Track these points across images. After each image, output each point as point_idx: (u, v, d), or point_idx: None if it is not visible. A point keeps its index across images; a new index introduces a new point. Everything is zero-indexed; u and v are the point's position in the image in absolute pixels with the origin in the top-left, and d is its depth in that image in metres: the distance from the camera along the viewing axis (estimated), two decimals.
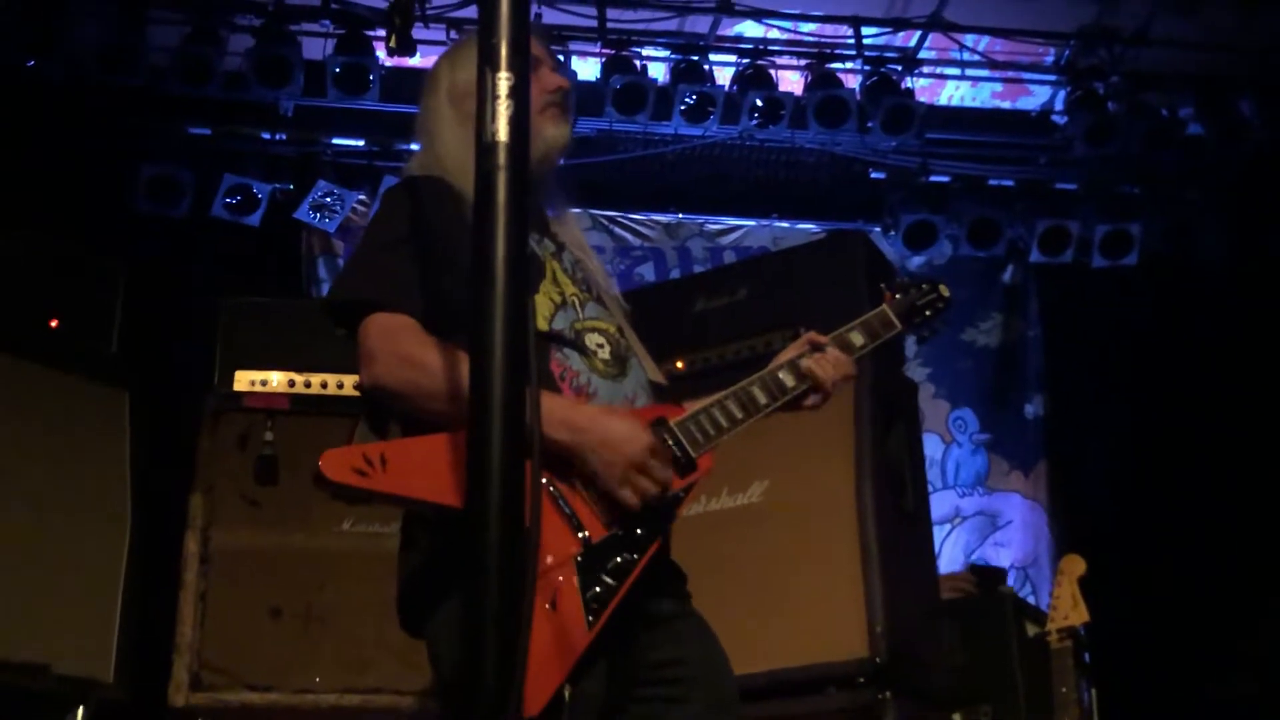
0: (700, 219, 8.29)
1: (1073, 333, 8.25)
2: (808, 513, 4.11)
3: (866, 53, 7.50)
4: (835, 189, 8.14)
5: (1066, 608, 4.28)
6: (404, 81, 7.07)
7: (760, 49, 7.51)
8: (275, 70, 6.88)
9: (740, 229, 8.33)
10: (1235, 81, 7.65)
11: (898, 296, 2.94)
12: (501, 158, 1.55)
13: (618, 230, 8.16)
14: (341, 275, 2.70)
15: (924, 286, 2.98)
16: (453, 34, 6.97)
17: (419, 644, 2.45)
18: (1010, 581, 5.35)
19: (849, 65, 7.54)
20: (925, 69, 7.75)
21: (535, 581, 1.58)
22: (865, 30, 7.46)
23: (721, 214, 8.31)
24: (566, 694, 2.22)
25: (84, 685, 4.37)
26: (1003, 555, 7.96)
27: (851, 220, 8.10)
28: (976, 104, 8.20)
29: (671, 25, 7.43)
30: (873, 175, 8.12)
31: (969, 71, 7.90)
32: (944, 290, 2.98)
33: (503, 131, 1.55)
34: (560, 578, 2.28)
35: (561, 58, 7.10)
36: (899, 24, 7.50)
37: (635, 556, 2.37)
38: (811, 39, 7.55)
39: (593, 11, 7.17)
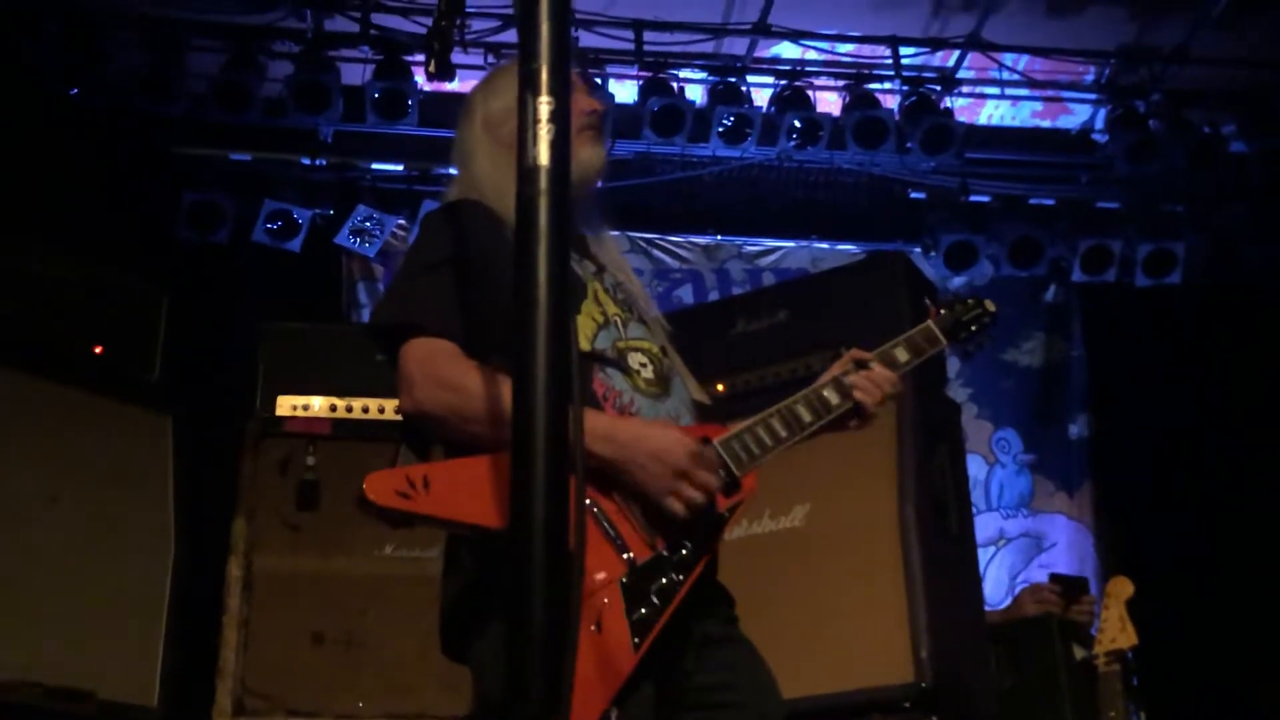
0: (739, 241, 8.27)
1: (1117, 352, 8.18)
2: (851, 536, 4.08)
3: (905, 73, 7.47)
4: (874, 210, 8.11)
5: (1114, 631, 4.22)
6: (443, 106, 7.08)
7: (798, 70, 7.51)
8: (315, 96, 6.92)
9: (779, 250, 8.31)
10: (1278, 98, 7.58)
11: (942, 312, 2.92)
12: (543, 182, 1.54)
13: (656, 253, 8.15)
14: (382, 300, 2.71)
15: (969, 302, 2.97)
16: (491, 59, 6.99)
17: (461, 668, 2.44)
18: None
19: (887, 86, 7.51)
20: (964, 89, 7.72)
21: (581, 602, 1.56)
22: (903, 50, 7.43)
23: (760, 235, 8.29)
24: (613, 717, 2.21)
25: (128, 711, 4.38)
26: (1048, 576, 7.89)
27: (891, 241, 8.06)
28: (1016, 123, 8.16)
29: (708, 47, 7.43)
30: (912, 195, 8.09)
31: (1008, 91, 7.86)
32: (990, 305, 2.97)
33: (544, 155, 1.55)
34: (605, 599, 2.27)
35: (599, 81, 7.12)
36: (937, 44, 7.47)
37: (681, 577, 2.35)
38: (849, 60, 7.53)
39: (630, 34, 7.18)
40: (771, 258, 8.29)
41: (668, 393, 2.57)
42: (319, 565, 4.63)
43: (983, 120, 8.07)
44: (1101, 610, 4.32)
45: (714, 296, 8.00)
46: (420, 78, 7.00)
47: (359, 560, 4.64)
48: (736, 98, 7.30)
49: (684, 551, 2.38)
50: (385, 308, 2.62)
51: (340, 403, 4.82)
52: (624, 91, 7.43)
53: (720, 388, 4.40)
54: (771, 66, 7.55)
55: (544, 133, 1.55)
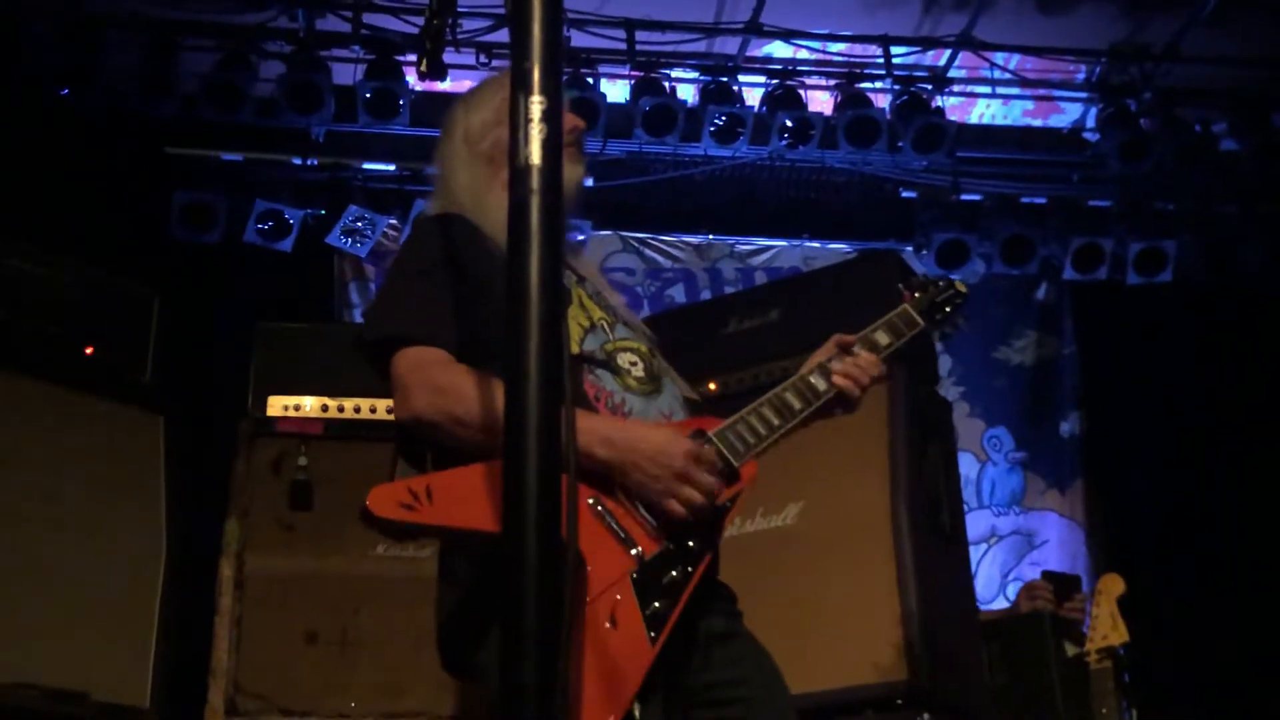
0: (731, 240, 8.28)
1: (1108, 350, 8.19)
2: (843, 534, 4.09)
3: (896, 72, 7.48)
4: (866, 209, 8.12)
5: (1106, 628, 4.24)
6: (434, 106, 7.07)
7: (789, 69, 7.51)
8: (306, 96, 6.92)
9: (771, 250, 8.31)
10: (1269, 96, 7.60)
11: (917, 295, 2.97)
12: (535, 181, 1.55)
13: (648, 252, 8.16)
14: (371, 312, 2.72)
15: (941, 283, 3.02)
16: (482, 58, 6.99)
17: (469, 682, 2.43)
18: None
19: (879, 85, 7.52)
20: (955, 88, 7.73)
21: (574, 600, 1.56)
22: (895, 50, 7.44)
23: (752, 235, 8.29)
24: (637, 711, 2.23)
25: (121, 712, 4.37)
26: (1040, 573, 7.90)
27: (883, 240, 8.07)
28: (1008, 122, 8.17)
29: (700, 47, 7.43)
30: (904, 194, 8.10)
31: (1000, 89, 7.87)
32: (960, 286, 3.02)
33: (536, 155, 1.55)
34: (618, 595, 2.28)
35: (590, 80, 7.12)
36: (928, 43, 7.48)
37: (690, 570, 2.37)
38: (841, 59, 7.54)
39: (621, 34, 7.18)
40: (764, 257, 8.30)
41: (659, 390, 2.59)
42: (312, 565, 4.63)
43: (974, 119, 8.09)
44: (1093, 607, 4.33)
45: (706, 296, 8.00)
46: (412, 77, 6.99)
47: (352, 560, 4.63)
48: (728, 97, 7.31)
49: (690, 544, 2.40)
50: (373, 323, 2.61)
51: (332, 403, 4.81)
52: (616, 91, 7.43)
53: (713, 387, 4.40)
54: (763, 66, 7.56)
55: (536, 132, 1.55)
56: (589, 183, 2.86)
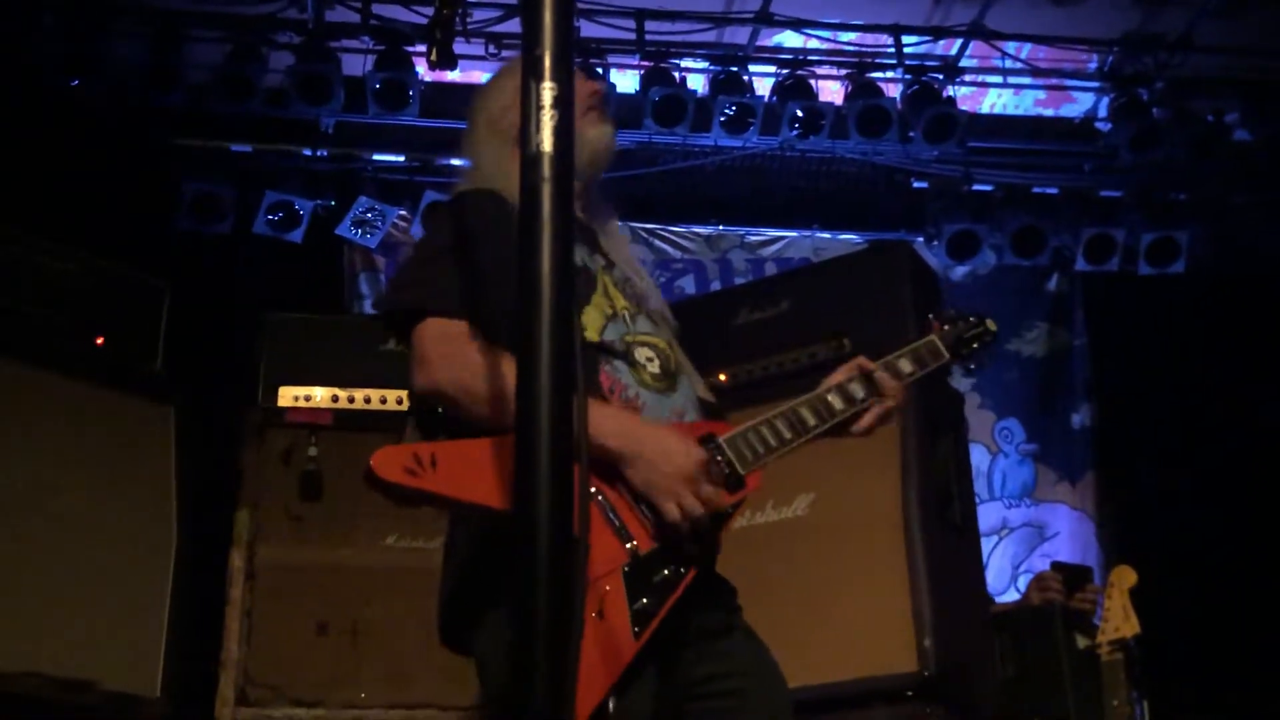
0: (741, 230, 8.26)
1: (1120, 341, 8.17)
2: (854, 526, 4.08)
3: (907, 61, 7.45)
4: (877, 199, 8.10)
5: (1117, 620, 4.22)
6: (444, 97, 7.08)
7: (800, 59, 7.49)
8: (316, 87, 6.92)
9: (781, 240, 8.30)
10: None
11: (945, 328, 2.96)
12: (546, 168, 1.54)
13: (658, 243, 8.14)
14: (391, 285, 2.75)
15: (971, 320, 3.00)
16: (492, 48, 6.98)
17: (464, 659, 2.45)
18: None
19: (890, 74, 7.50)
20: (967, 77, 7.70)
21: (585, 591, 1.56)
22: (906, 39, 7.41)
23: (762, 225, 8.28)
24: (611, 705, 2.22)
25: (131, 701, 4.38)
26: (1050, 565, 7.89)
27: (894, 230, 8.06)
28: (1019, 112, 8.15)
29: (710, 36, 7.42)
30: (915, 185, 8.07)
31: (1011, 79, 7.84)
32: (990, 325, 3.01)
33: (547, 142, 1.54)
34: (608, 587, 2.28)
35: (600, 70, 7.10)
36: (940, 32, 7.45)
37: (683, 570, 2.37)
38: (851, 48, 7.52)
39: (631, 24, 7.16)
40: (774, 247, 8.29)
41: (674, 388, 2.58)
42: (322, 556, 4.64)
43: (985, 109, 8.06)
44: (1104, 599, 4.31)
45: (716, 286, 8.00)
46: (421, 68, 6.99)
47: (362, 551, 4.64)
48: (738, 87, 7.29)
49: (686, 544, 2.39)
50: (396, 293, 2.64)
51: (342, 393, 4.81)
52: (625, 81, 7.41)
53: (723, 377, 4.40)
54: (773, 55, 7.54)
55: (547, 119, 1.55)
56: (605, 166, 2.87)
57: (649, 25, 7.19)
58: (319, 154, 7.49)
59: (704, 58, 7.45)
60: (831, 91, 7.55)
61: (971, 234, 7.79)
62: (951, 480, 4.24)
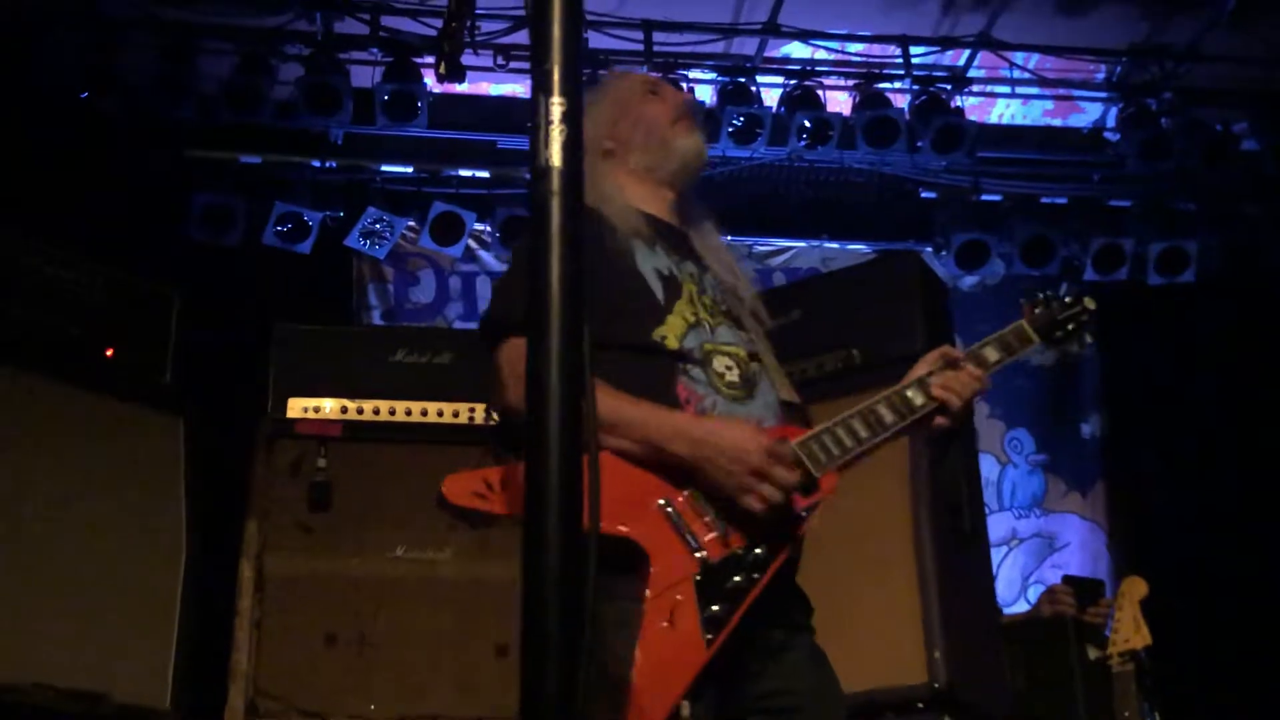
0: (749, 241, 8.27)
1: (1130, 351, 8.15)
2: (863, 536, 4.07)
3: (915, 72, 7.46)
4: (885, 209, 8.10)
5: (1128, 630, 4.21)
6: (453, 108, 7.10)
7: (808, 70, 7.50)
8: (325, 99, 6.93)
9: (790, 250, 8.30)
10: None
11: (1037, 310, 2.82)
12: (555, 183, 1.54)
13: None
14: (494, 295, 2.77)
15: (1067, 300, 2.84)
16: (500, 60, 6.99)
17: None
18: None
19: (897, 85, 7.50)
20: (975, 87, 7.70)
21: (591, 594, 1.55)
22: (913, 50, 7.42)
23: (770, 235, 8.29)
24: (686, 710, 2.25)
25: (141, 713, 4.38)
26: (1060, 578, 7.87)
27: (902, 240, 8.05)
28: (1027, 122, 8.14)
29: (718, 47, 7.42)
30: (923, 195, 8.08)
31: (1019, 89, 7.84)
32: (1089, 303, 2.84)
33: (556, 156, 1.55)
34: (679, 596, 2.31)
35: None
36: (947, 43, 7.45)
37: (756, 576, 2.39)
38: (859, 59, 7.52)
39: (639, 35, 7.17)
40: (782, 258, 8.29)
41: (751, 396, 2.57)
42: (331, 567, 4.63)
43: (994, 119, 8.06)
44: (1115, 610, 4.30)
45: None
46: (430, 79, 7.00)
47: (371, 562, 4.63)
48: (746, 98, 7.30)
49: (759, 550, 2.41)
50: (495, 303, 2.66)
51: (351, 404, 4.81)
52: None
53: None
54: (781, 66, 7.54)
55: (556, 134, 1.55)
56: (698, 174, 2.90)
57: (657, 36, 7.20)
58: (328, 165, 7.52)
59: (712, 69, 7.45)
60: (839, 102, 7.55)
61: (981, 244, 7.79)
62: (961, 491, 4.23)
